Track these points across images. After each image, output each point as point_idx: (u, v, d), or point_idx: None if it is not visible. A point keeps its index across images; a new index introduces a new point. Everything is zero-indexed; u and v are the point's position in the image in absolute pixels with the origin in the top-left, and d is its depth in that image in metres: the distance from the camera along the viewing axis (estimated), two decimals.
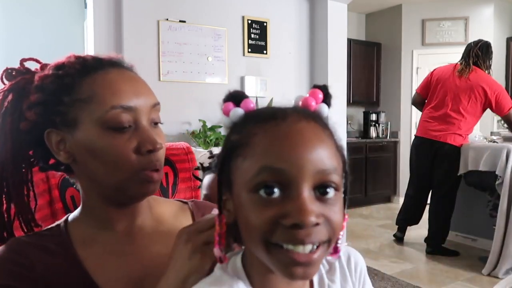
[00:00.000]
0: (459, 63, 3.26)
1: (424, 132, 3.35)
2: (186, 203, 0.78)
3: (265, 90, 3.72)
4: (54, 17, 3.03)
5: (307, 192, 0.42)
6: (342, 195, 0.47)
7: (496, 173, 2.89)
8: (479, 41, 3.29)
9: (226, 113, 0.50)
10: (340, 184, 0.45)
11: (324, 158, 0.44)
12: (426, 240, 3.44)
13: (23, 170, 0.69)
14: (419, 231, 3.67)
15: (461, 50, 3.41)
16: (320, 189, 0.43)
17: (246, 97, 0.51)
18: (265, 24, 3.73)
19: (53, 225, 0.69)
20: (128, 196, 0.65)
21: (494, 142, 3.31)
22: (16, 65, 0.69)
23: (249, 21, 3.66)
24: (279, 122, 0.45)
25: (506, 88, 5.52)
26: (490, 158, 2.96)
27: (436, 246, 3.35)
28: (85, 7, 3.09)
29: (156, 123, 0.67)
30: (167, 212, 0.73)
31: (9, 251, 0.62)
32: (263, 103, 3.64)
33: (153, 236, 0.69)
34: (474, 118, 3.21)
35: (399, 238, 3.70)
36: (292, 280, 0.45)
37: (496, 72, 5.46)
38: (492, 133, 5.01)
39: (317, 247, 0.43)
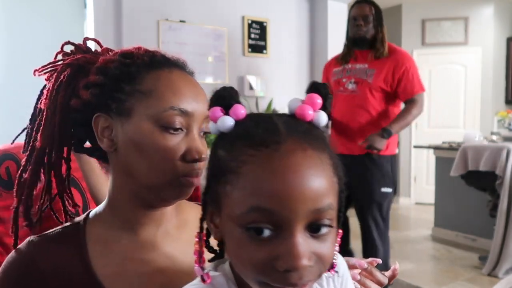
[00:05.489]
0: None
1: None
2: None
3: (265, 90, 3.71)
4: (54, 17, 3.03)
5: (300, 233, 0.40)
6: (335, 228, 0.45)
7: (496, 173, 2.89)
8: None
9: (213, 119, 0.47)
10: (334, 218, 0.43)
11: (319, 196, 0.41)
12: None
13: (64, 146, 0.69)
14: (419, 230, 3.67)
15: (461, 50, 3.39)
16: (313, 227, 0.41)
17: (236, 101, 0.46)
18: (265, 24, 3.73)
19: (74, 221, 0.67)
20: (160, 198, 0.63)
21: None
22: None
23: (249, 21, 3.66)
24: (271, 152, 0.41)
25: (506, 88, 5.51)
26: (490, 158, 2.96)
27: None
28: (85, 7, 3.09)
29: (205, 133, 0.65)
30: (191, 218, 0.71)
31: (21, 260, 0.61)
32: (263, 103, 3.65)
33: (177, 244, 0.67)
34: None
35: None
36: None
37: (496, 72, 5.47)
38: (492, 133, 5.00)
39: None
